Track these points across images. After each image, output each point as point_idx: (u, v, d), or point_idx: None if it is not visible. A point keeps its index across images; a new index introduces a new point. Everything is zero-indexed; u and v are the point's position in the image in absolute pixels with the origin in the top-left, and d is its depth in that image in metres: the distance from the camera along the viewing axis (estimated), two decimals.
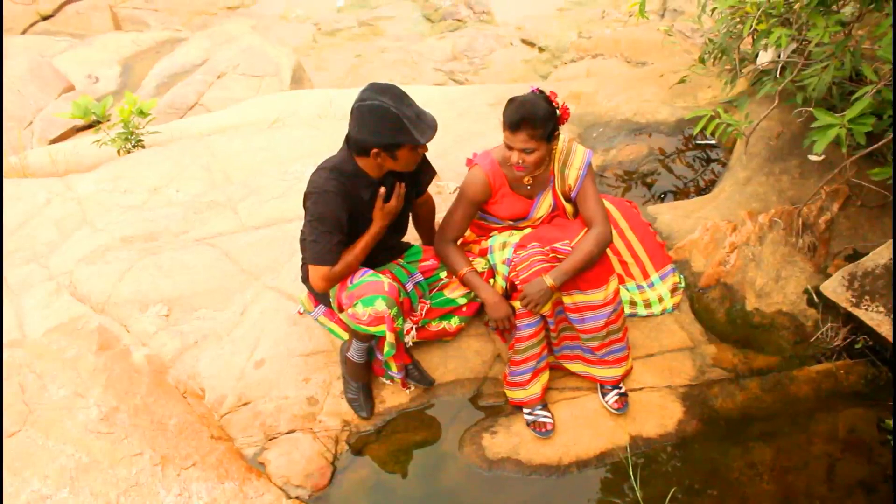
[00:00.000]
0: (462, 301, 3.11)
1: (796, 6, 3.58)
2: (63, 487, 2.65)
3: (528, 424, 2.96)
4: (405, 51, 8.83)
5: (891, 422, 2.95)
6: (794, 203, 3.68)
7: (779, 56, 3.88)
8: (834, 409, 3.05)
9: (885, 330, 3.09)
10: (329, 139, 4.44)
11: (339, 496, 2.81)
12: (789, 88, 3.64)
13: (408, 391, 3.09)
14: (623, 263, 3.49)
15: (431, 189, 3.19)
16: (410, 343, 3.09)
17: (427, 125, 2.65)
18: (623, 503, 2.77)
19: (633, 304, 3.37)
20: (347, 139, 2.72)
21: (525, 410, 2.99)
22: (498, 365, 3.19)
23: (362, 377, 3.03)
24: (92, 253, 3.73)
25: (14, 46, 7.84)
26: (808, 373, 3.17)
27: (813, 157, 3.68)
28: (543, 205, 3.03)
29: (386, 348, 2.84)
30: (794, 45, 3.81)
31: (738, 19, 3.97)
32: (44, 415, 2.87)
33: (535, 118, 2.66)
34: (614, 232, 3.45)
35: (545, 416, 2.96)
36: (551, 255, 2.87)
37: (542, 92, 2.78)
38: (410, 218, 3.18)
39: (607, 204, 3.51)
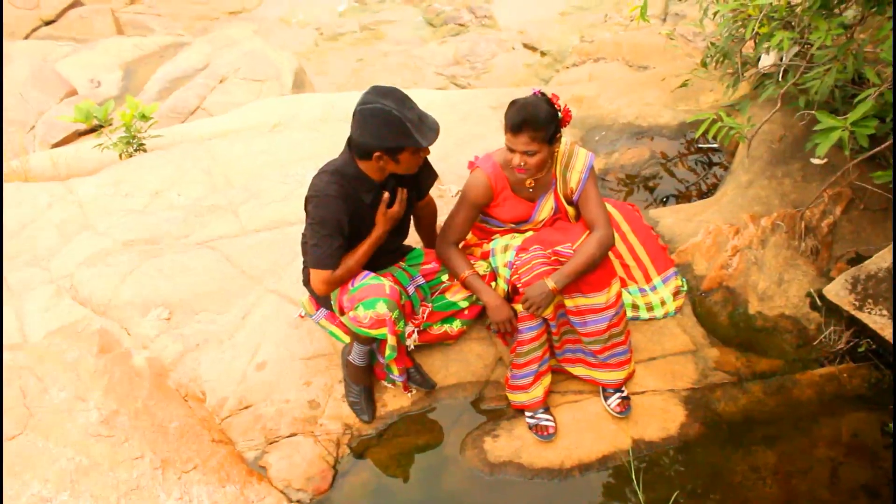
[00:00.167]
0: (464, 304, 3.11)
1: (798, 9, 3.58)
2: (63, 490, 2.65)
3: (530, 428, 2.95)
4: (407, 55, 8.85)
5: (893, 425, 2.94)
6: (796, 206, 3.67)
7: (781, 59, 3.87)
8: (837, 412, 3.04)
9: (888, 333, 3.07)
10: (330, 142, 4.43)
11: (341, 500, 2.79)
12: (791, 92, 3.63)
13: (409, 395, 3.08)
14: (625, 267, 3.48)
15: (433, 192, 3.19)
16: (412, 346, 3.08)
17: (429, 128, 2.65)
18: None
19: (635, 307, 3.36)
20: (349, 142, 2.72)
21: (527, 414, 2.98)
22: (500, 368, 3.18)
23: (364, 380, 3.02)
24: (93, 256, 3.73)
25: (17, 51, 7.87)
26: (811, 376, 3.16)
27: (815, 161, 3.68)
28: (545, 208, 3.02)
29: (387, 351, 2.84)
30: (796, 49, 3.80)
31: (740, 23, 3.96)
32: (44, 418, 2.87)
33: (536, 120, 2.66)
34: (616, 235, 3.45)
35: (547, 420, 2.95)
36: (553, 258, 2.87)
37: (543, 94, 2.77)
38: (412, 221, 3.18)
39: (609, 207, 3.51)
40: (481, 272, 3.01)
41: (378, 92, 2.61)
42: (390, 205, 2.84)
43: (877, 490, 2.78)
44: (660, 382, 3.12)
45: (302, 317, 3.31)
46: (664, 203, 4.16)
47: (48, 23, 9.60)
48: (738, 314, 3.43)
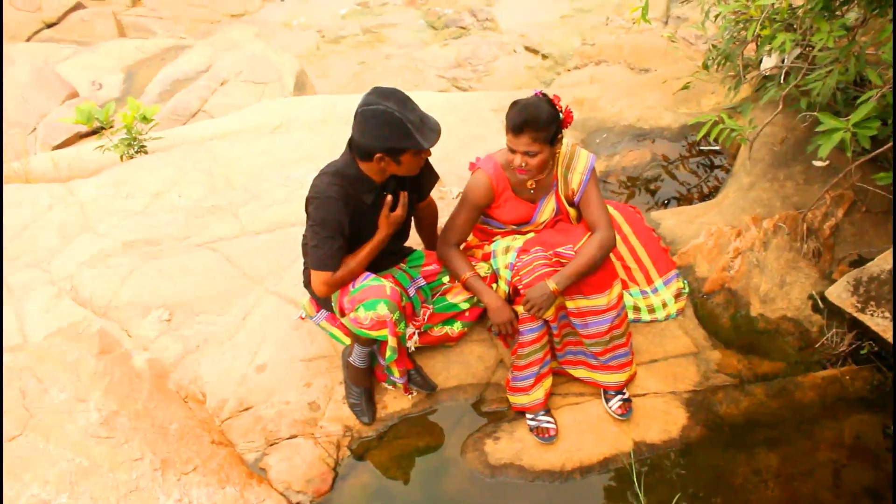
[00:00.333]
0: (465, 306, 3.10)
1: (800, 11, 3.57)
2: (63, 492, 2.64)
3: (531, 430, 2.94)
4: (409, 58, 8.85)
5: (894, 428, 2.94)
6: (798, 208, 3.66)
7: (782, 61, 3.87)
8: (839, 415, 3.03)
9: (890, 335, 3.06)
10: (331, 144, 4.43)
11: (341, 502, 2.78)
12: (793, 94, 3.63)
13: (410, 396, 3.07)
14: (627, 269, 3.47)
15: (434, 194, 3.19)
16: (413, 348, 3.07)
17: (431, 130, 2.64)
18: None
19: (636, 309, 3.36)
20: (350, 143, 2.71)
21: (528, 416, 2.97)
22: (501, 370, 3.18)
23: (364, 382, 3.02)
24: (93, 257, 3.72)
25: (19, 53, 7.88)
26: (814, 379, 3.15)
27: (817, 163, 3.68)
28: (547, 209, 3.02)
29: (388, 353, 2.83)
30: (797, 51, 3.79)
31: (742, 25, 3.96)
32: (44, 419, 2.86)
33: (538, 121, 2.66)
34: (618, 237, 3.44)
35: (548, 422, 2.94)
36: (554, 259, 2.86)
37: (545, 95, 2.77)
38: (413, 222, 3.17)
39: (611, 209, 3.50)
40: (482, 274, 3.00)
41: (380, 93, 2.61)
42: (393, 208, 2.84)
43: (879, 492, 2.77)
44: (661, 384, 3.11)
45: (302, 318, 3.30)
46: (665, 205, 4.16)
47: (50, 25, 9.62)
48: (740, 316, 3.42)
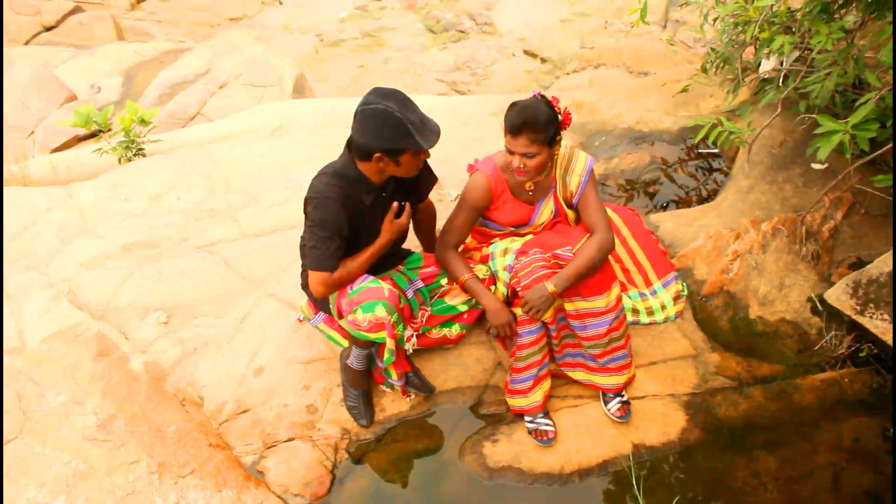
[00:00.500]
0: (463, 308, 3.09)
1: (798, 14, 3.57)
2: (59, 495, 2.63)
3: (529, 433, 2.93)
4: (408, 61, 8.85)
5: (893, 430, 2.92)
6: (797, 211, 3.66)
7: (781, 64, 3.87)
8: (838, 418, 3.02)
9: (889, 338, 3.06)
10: (331, 147, 4.42)
11: None
12: (792, 97, 3.63)
13: (408, 399, 3.06)
14: (625, 271, 3.47)
15: (433, 196, 3.18)
16: (411, 350, 3.07)
17: (431, 131, 2.64)
18: None
19: (635, 311, 3.35)
20: (349, 143, 2.71)
21: (526, 418, 2.97)
22: (499, 373, 3.17)
23: (362, 385, 3.01)
24: (92, 260, 3.71)
25: (17, 57, 7.87)
26: (813, 381, 3.14)
27: (816, 166, 3.68)
28: (545, 211, 3.01)
29: (386, 355, 2.82)
30: (796, 54, 3.80)
31: (741, 28, 3.96)
32: (41, 422, 2.85)
33: (536, 122, 2.65)
34: (616, 240, 3.43)
35: (547, 424, 2.93)
36: (553, 261, 2.85)
37: (543, 96, 2.76)
38: (411, 225, 3.17)
39: (609, 212, 3.49)
40: (481, 276, 3.00)
41: (380, 93, 2.60)
42: (398, 215, 2.84)
43: (879, 495, 2.76)
44: (660, 387, 3.10)
45: (300, 321, 3.29)
46: (664, 208, 4.15)
47: (49, 29, 9.60)
48: (739, 319, 3.41)
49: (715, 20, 4.19)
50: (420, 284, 3.09)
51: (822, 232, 3.60)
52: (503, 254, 2.99)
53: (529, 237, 3.02)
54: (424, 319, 3.07)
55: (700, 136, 3.55)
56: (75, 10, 9.84)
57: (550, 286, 2.76)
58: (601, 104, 4.99)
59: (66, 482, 2.66)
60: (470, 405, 3.09)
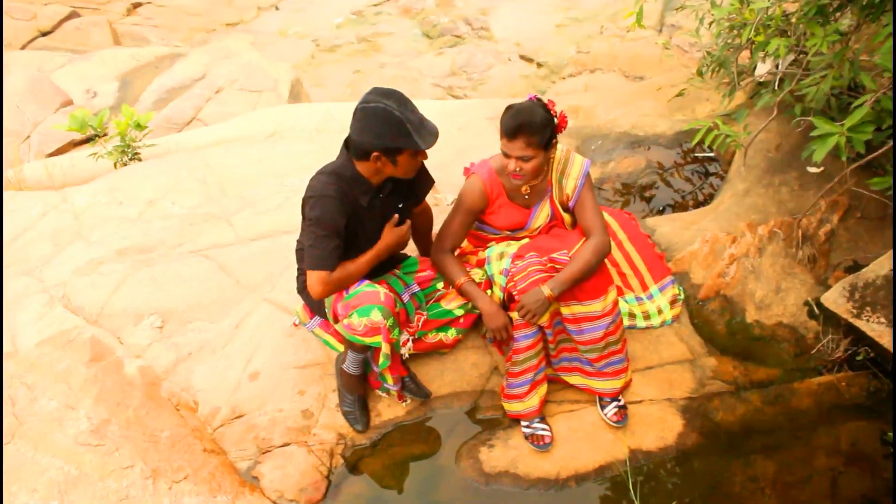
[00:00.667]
0: (459, 312, 3.08)
1: (794, 18, 3.58)
2: (52, 501, 2.61)
3: (526, 437, 2.92)
4: (404, 66, 8.87)
5: (892, 434, 2.91)
6: (793, 214, 3.65)
7: (777, 67, 3.87)
8: (836, 421, 3.01)
9: (886, 341, 3.05)
10: (327, 151, 4.38)
11: None
12: (788, 100, 3.63)
13: (404, 404, 3.05)
14: (622, 275, 3.46)
15: (429, 200, 3.17)
16: (407, 355, 3.05)
17: (429, 132, 2.63)
18: None
19: (632, 315, 3.34)
20: (347, 143, 2.70)
21: (523, 423, 2.95)
22: (495, 377, 3.16)
23: (358, 389, 2.99)
24: (86, 265, 3.70)
25: (13, 61, 7.85)
26: (810, 385, 3.13)
27: (812, 169, 3.66)
28: (541, 215, 3.00)
29: (381, 359, 2.80)
30: (792, 57, 3.80)
31: (736, 32, 3.96)
32: (33, 427, 2.83)
33: (532, 125, 2.64)
34: (613, 243, 3.43)
35: (543, 429, 2.91)
36: (549, 265, 2.84)
37: (539, 99, 2.76)
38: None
39: (606, 215, 3.48)
40: (477, 280, 2.99)
41: (380, 92, 2.60)
42: (399, 224, 2.86)
43: (877, 500, 2.75)
44: (657, 391, 3.09)
45: (296, 325, 3.28)
46: (661, 212, 4.15)
47: (45, 34, 9.60)
48: (736, 323, 3.40)
49: (710, 24, 4.19)
50: (416, 288, 3.08)
51: (818, 235, 3.60)
52: (499, 258, 2.98)
53: (526, 241, 3.01)
54: (420, 324, 3.05)
55: (696, 139, 3.55)
56: (71, 16, 9.84)
57: (547, 290, 2.75)
58: (597, 108, 5.00)
59: (59, 488, 2.64)
60: (466, 410, 3.08)
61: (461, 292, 2.97)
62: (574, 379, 3.05)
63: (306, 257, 2.72)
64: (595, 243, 2.82)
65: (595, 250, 2.81)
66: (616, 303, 2.92)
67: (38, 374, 3.03)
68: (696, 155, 4.45)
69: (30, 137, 6.84)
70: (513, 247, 2.99)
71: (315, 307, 3.04)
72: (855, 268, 3.48)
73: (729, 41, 4.08)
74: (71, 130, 4.81)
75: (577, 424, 2.97)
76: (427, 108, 5.09)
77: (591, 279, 2.83)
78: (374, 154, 2.59)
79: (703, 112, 4.78)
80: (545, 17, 9.56)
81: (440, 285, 3.10)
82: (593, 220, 2.89)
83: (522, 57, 8.76)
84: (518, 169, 2.74)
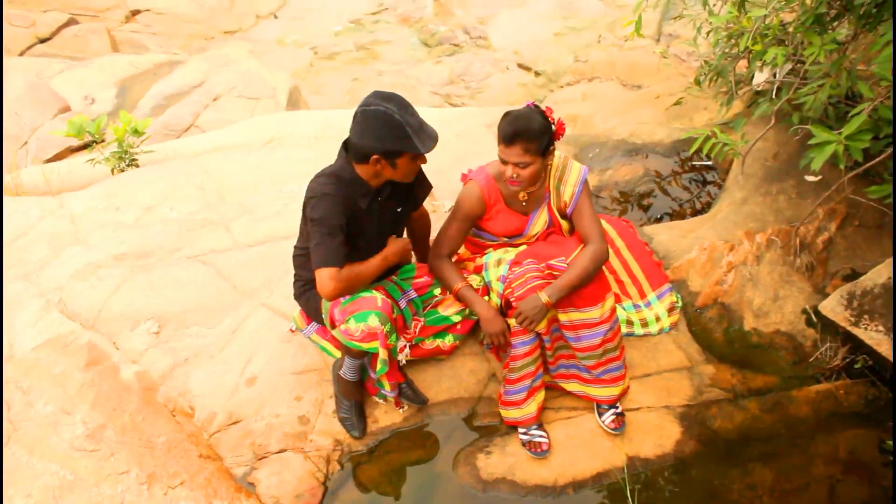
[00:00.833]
0: (456, 318, 3.08)
1: (791, 27, 3.59)
2: None
3: (523, 444, 2.91)
4: (402, 74, 8.88)
5: (891, 443, 2.91)
6: (791, 223, 3.66)
7: (774, 76, 3.88)
8: (834, 429, 3.01)
9: (884, 349, 3.05)
10: (325, 159, 4.37)
11: None
12: (785, 108, 3.64)
13: (401, 410, 3.04)
14: (620, 283, 3.46)
15: (427, 206, 3.17)
16: (404, 361, 3.04)
17: (428, 136, 2.63)
18: None
19: (629, 323, 3.34)
20: (346, 145, 2.70)
21: (520, 430, 2.94)
22: (493, 384, 3.15)
23: (355, 396, 2.98)
24: (83, 269, 3.69)
25: (12, 67, 7.87)
26: (808, 393, 3.13)
27: (809, 178, 3.68)
28: (539, 221, 3.00)
29: (379, 365, 2.79)
30: (789, 66, 3.81)
31: (734, 41, 3.98)
32: (29, 431, 2.82)
33: (530, 132, 2.64)
34: (611, 251, 3.43)
35: (541, 436, 2.90)
36: (547, 271, 2.84)
37: (537, 106, 2.76)
38: (405, 235, 3.15)
39: (603, 223, 3.49)
40: (474, 286, 2.98)
41: (380, 96, 2.60)
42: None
43: None
44: (655, 399, 3.08)
45: (293, 331, 3.27)
46: (658, 220, 4.15)
47: (43, 40, 9.61)
48: (734, 330, 3.40)
49: (708, 33, 4.21)
50: (413, 295, 3.07)
51: (816, 243, 3.60)
52: (497, 264, 2.97)
53: (523, 248, 3.01)
54: (417, 330, 3.04)
55: (694, 148, 3.55)
56: (70, 22, 9.86)
57: (544, 297, 2.75)
58: (595, 117, 5.01)
59: (54, 493, 2.63)
60: (463, 417, 3.07)
61: (458, 297, 2.97)
62: (572, 386, 3.04)
63: (313, 257, 2.68)
64: (593, 250, 2.82)
65: (593, 257, 2.80)
66: (614, 310, 2.92)
67: (33, 379, 3.02)
68: (694, 163, 4.46)
69: (27, 143, 6.83)
70: (510, 253, 2.98)
71: (312, 313, 3.04)
72: (853, 276, 3.48)
73: (726, 50, 4.10)
74: (69, 136, 4.81)
75: (575, 431, 2.97)
76: (425, 115, 5.08)
77: (588, 286, 2.83)
78: (374, 157, 2.59)
79: (701, 120, 4.79)
80: (543, 26, 9.60)
81: (437, 291, 3.09)
82: (591, 226, 2.89)
83: (520, 65, 8.78)
84: (515, 175, 2.74)
